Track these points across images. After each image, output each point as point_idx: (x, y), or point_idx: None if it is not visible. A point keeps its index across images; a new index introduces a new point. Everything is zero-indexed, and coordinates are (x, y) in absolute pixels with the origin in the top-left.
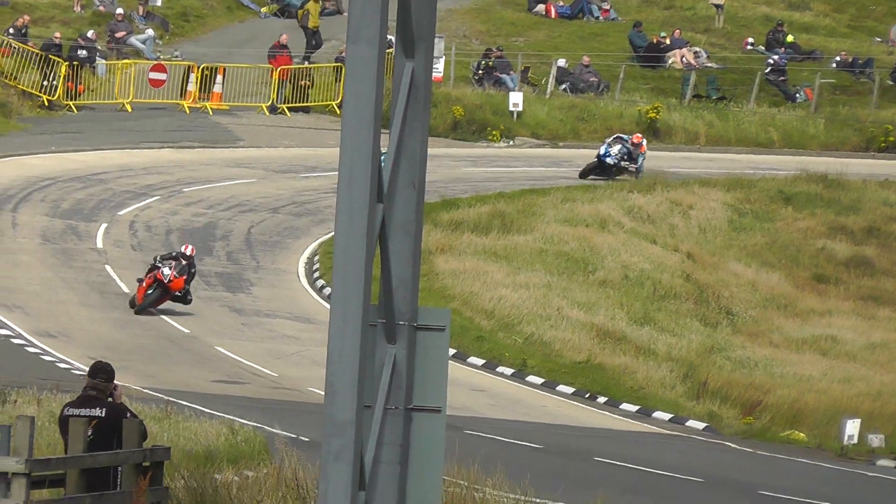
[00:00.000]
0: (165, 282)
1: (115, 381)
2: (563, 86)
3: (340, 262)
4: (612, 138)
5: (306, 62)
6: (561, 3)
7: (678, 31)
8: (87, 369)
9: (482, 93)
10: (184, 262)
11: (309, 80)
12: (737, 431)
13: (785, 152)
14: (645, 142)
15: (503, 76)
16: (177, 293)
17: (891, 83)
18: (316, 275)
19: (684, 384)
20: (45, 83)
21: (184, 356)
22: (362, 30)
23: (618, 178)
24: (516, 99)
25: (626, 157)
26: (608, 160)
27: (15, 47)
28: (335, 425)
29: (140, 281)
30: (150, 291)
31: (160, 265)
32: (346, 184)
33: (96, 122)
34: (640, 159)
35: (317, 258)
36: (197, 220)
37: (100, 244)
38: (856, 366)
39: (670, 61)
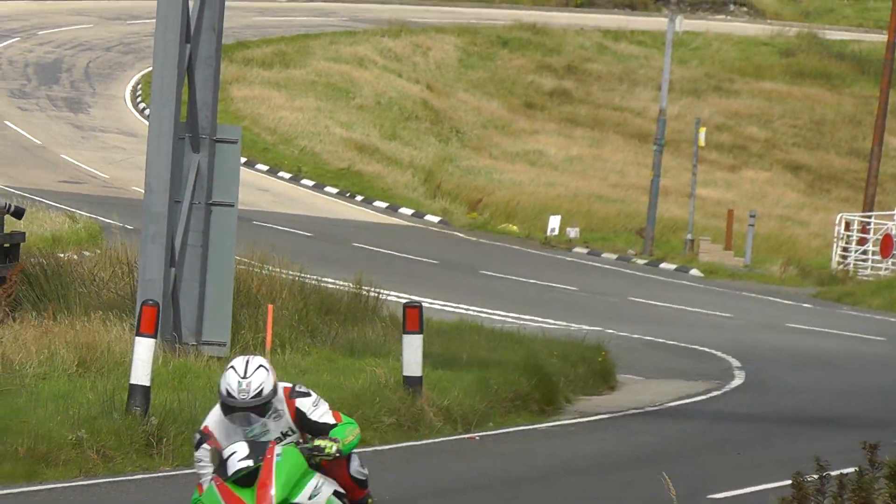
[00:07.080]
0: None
1: None
2: None
3: (157, 89)
4: None
5: None
6: None
7: None
8: None
9: None
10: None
11: None
12: (464, 224)
13: (502, 7)
14: None
15: None
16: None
17: None
18: (139, 99)
19: (423, 186)
20: None
21: (36, 161)
22: None
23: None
24: None
25: None
26: None
27: None
28: (152, 216)
29: None
30: None
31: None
32: (161, 28)
33: None
34: None
35: (140, 86)
36: (48, 57)
37: None
38: (557, 174)
39: None
